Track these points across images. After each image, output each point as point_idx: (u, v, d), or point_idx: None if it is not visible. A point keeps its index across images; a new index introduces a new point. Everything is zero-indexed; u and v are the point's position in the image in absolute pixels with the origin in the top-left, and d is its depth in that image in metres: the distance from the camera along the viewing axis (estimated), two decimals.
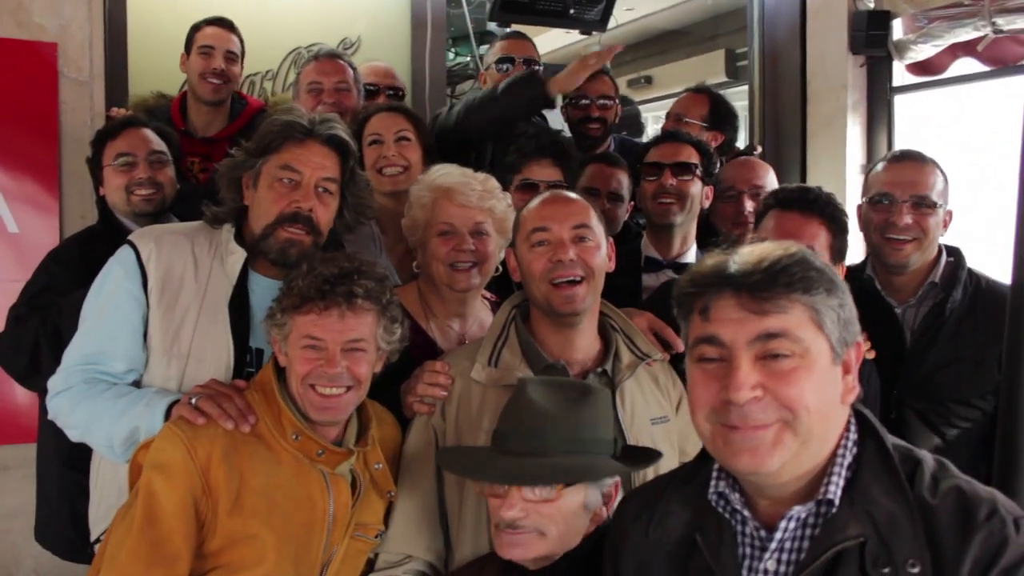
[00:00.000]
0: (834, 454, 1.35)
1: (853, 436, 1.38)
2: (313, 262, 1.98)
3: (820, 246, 2.39)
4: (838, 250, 2.43)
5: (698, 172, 2.91)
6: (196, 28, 3.46)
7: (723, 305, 1.33)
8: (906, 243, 2.52)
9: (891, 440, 1.38)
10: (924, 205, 2.52)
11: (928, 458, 1.37)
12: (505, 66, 3.46)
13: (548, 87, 3.12)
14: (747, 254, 1.36)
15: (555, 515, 1.71)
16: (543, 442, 1.72)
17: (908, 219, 2.51)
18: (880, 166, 2.67)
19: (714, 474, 1.45)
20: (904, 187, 2.54)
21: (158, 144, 2.89)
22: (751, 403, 1.29)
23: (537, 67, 3.29)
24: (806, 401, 1.29)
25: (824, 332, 1.32)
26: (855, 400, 1.39)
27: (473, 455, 1.90)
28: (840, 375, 1.35)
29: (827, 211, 2.49)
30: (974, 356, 2.48)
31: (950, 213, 2.60)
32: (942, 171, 2.59)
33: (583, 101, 3.62)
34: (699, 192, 2.93)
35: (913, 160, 2.61)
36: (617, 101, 3.72)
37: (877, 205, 2.58)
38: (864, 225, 2.63)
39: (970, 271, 2.60)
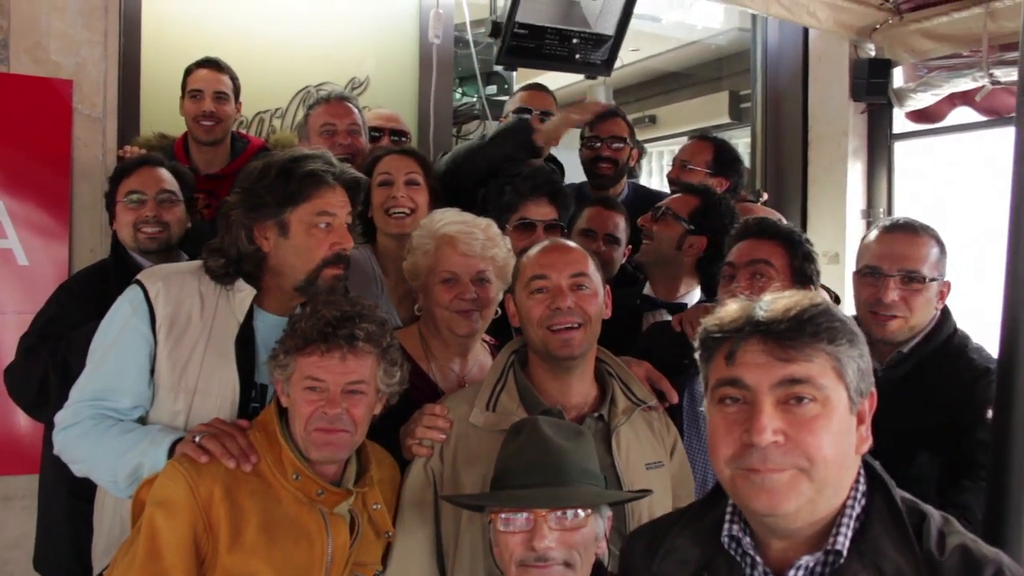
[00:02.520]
0: (844, 504, 1.38)
1: (862, 487, 1.41)
2: (316, 304, 2.03)
3: (779, 264, 2.43)
4: (798, 269, 2.44)
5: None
6: (188, 72, 3.52)
7: (750, 350, 1.37)
8: (891, 319, 2.43)
9: (899, 493, 1.41)
10: (915, 280, 2.42)
11: (934, 513, 1.39)
12: (523, 116, 3.51)
13: (534, 137, 3.14)
14: (774, 302, 1.40)
15: (580, 544, 1.74)
16: (565, 473, 1.76)
17: (895, 295, 2.41)
18: (873, 235, 2.56)
19: (727, 516, 1.47)
20: (894, 260, 2.43)
21: (170, 184, 2.94)
22: (771, 447, 1.32)
23: (527, 116, 3.31)
24: (824, 452, 1.32)
25: (844, 381, 1.36)
26: (867, 451, 1.42)
27: (480, 497, 1.92)
28: (855, 425, 1.39)
29: (781, 234, 2.51)
30: (913, 427, 2.31)
31: (948, 284, 2.49)
32: (938, 241, 2.48)
33: (596, 143, 3.70)
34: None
35: (905, 231, 2.48)
36: (631, 144, 3.77)
37: (866, 277, 2.48)
38: (855, 294, 2.54)
39: (949, 338, 2.48)
